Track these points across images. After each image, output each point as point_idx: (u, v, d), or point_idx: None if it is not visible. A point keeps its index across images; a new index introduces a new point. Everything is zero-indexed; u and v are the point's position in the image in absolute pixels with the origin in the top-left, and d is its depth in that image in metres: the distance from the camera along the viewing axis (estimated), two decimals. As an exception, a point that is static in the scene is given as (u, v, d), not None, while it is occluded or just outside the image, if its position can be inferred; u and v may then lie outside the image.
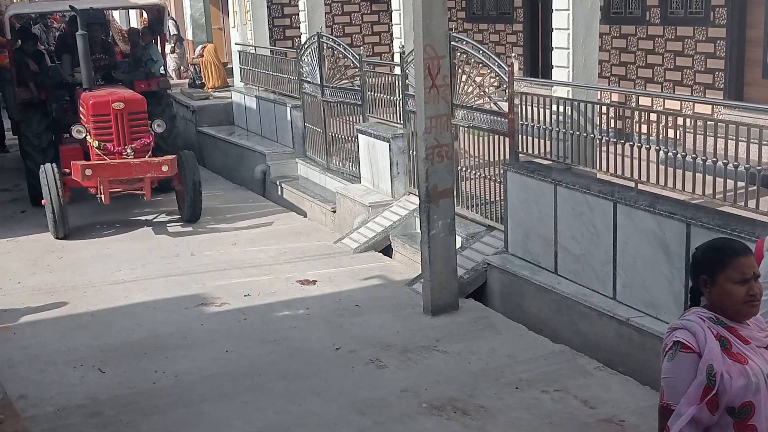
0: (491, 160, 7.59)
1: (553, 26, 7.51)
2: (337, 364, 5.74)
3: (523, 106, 6.97)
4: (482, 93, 7.57)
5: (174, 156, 9.18)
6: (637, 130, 6.25)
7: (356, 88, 9.76)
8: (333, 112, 10.30)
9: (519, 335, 6.20)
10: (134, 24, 23.87)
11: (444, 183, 6.53)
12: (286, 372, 5.63)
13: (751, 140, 5.35)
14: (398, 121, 8.98)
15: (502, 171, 7.17)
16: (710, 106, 7.83)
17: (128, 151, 9.03)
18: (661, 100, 8.10)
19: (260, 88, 12.93)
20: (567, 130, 6.58)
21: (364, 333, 6.27)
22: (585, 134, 6.43)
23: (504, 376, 5.44)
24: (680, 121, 5.84)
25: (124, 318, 6.78)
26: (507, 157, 7.23)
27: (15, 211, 10.55)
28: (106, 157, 9.05)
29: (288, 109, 11.49)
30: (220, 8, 19.60)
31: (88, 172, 8.75)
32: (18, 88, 10.73)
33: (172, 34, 17.30)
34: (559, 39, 7.40)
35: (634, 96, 8.85)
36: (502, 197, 7.17)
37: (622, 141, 6.04)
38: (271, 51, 13.33)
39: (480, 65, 7.46)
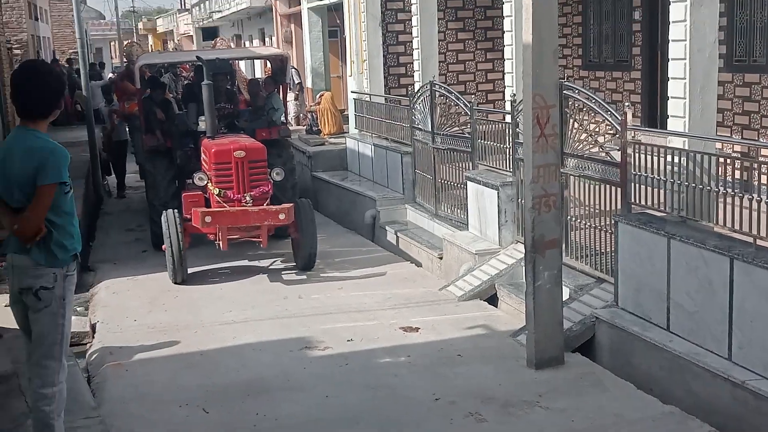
0: (602, 209, 7.41)
1: (669, 76, 7.31)
2: (436, 414, 5.66)
3: (637, 156, 6.79)
4: (594, 142, 7.43)
5: (291, 204, 9.23)
6: (758, 181, 5.96)
7: (466, 135, 9.78)
8: (443, 158, 10.34)
9: (627, 394, 5.95)
10: (259, 72, 24.85)
11: (551, 233, 6.40)
12: (385, 420, 5.59)
13: None
14: (508, 168, 8.92)
15: (613, 222, 6.98)
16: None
17: (247, 198, 9.14)
18: (785, 151, 7.74)
19: (374, 135, 13.13)
20: (682, 181, 6.36)
21: (465, 384, 6.17)
22: (701, 186, 6.19)
23: (609, 436, 5.23)
24: (804, 174, 5.55)
25: (231, 358, 6.92)
26: (619, 207, 7.04)
27: (137, 250, 11.03)
28: (225, 205, 9.16)
29: (399, 155, 11.60)
30: (339, 57, 20.15)
31: (208, 219, 8.88)
32: (145, 136, 11.09)
33: (295, 82, 17.89)
34: (675, 89, 7.20)
35: (755, 147, 8.48)
36: (613, 249, 6.98)
37: (741, 194, 5.78)
38: (385, 99, 13.55)
39: (593, 114, 7.33)
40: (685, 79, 7.05)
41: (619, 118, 6.91)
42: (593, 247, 7.53)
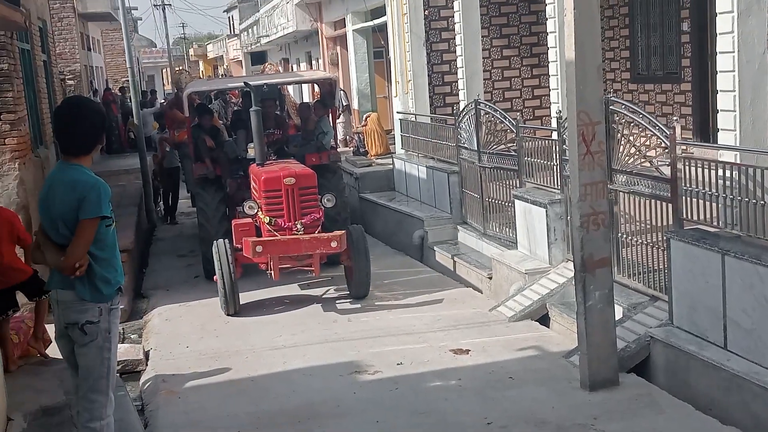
0: (654, 225, 7.26)
1: (718, 88, 7.17)
2: (487, 439, 5.58)
3: (688, 170, 6.65)
4: (643, 157, 7.31)
5: (343, 232, 9.01)
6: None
7: (513, 153, 9.70)
8: (490, 177, 10.27)
9: (685, 415, 5.80)
10: (306, 96, 25.10)
11: (600, 252, 6.29)
12: (436, 446, 5.53)
13: None
14: (556, 186, 8.82)
15: (665, 238, 6.84)
16: None
17: (298, 226, 8.95)
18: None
19: (420, 155, 13.12)
20: (735, 195, 6.20)
21: (517, 407, 6.08)
22: (755, 200, 6.03)
23: (666, 460, 5.09)
24: None
25: (281, 384, 6.94)
26: (670, 223, 6.90)
27: (189, 276, 11.15)
28: (276, 233, 8.96)
29: (446, 174, 11.57)
30: (385, 78, 20.24)
31: (259, 249, 8.66)
32: (195, 164, 10.97)
33: (344, 105, 18.00)
34: (724, 101, 7.06)
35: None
36: (666, 266, 6.83)
37: (797, 207, 5.61)
38: (430, 118, 13.54)
39: (641, 128, 7.22)
40: (734, 91, 6.91)
41: (667, 133, 6.78)
42: (646, 264, 7.38)
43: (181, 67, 37.91)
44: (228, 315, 8.96)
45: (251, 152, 10.39)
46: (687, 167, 6.67)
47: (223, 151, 11.01)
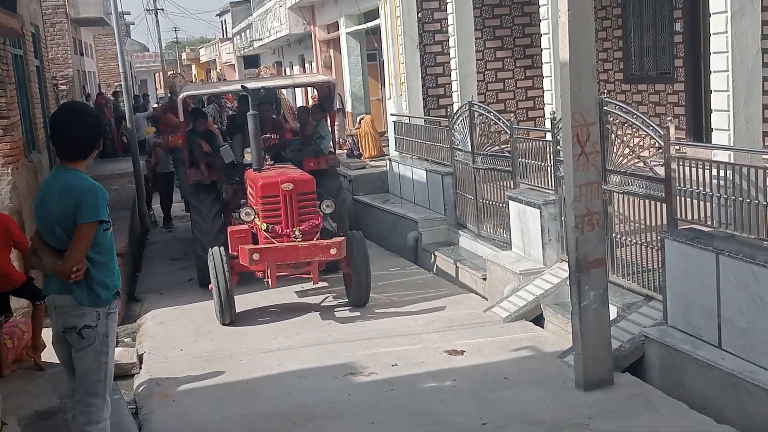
0: (648, 225, 7.27)
1: (712, 88, 7.18)
2: (483, 440, 5.57)
3: (682, 170, 6.66)
4: (637, 157, 7.31)
5: (343, 238, 8.77)
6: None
7: (506, 154, 9.70)
8: (484, 178, 10.27)
9: (680, 414, 5.80)
10: (300, 99, 25.09)
11: (595, 252, 6.29)
12: (431, 447, 5.52)
13: None
14: (550, 187, 8.82)
15: (659, 238, 6.84)
16: None
17: (296, 233, 8.66)
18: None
19: (414, 157, 13.12)
20: (729, 195, 6.21)
21: (512, 408, 6.07)
22: (749, 200, 6.04)
23: (662, 459, 5.09)
24: None
25: (276, 386, 6.91)
26: (664, 223, 6.90)
27: (183, 279, 11.12)
28: (273, 240, 8.67)
29: (440, 176, 11.56)
30: (378, 80, 20.23)
31: (256, 256, 8.40)
32: (190, 170, 10.67)
33: (337, 108, 17.96)
34: (718, 101, 7.08)
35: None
36: (660, 265, 6.83)
37: (790, 206, 5.62)
38: (424, 120, 13.54)
39: (635, 129, 7.22)
40: (728, 91, 6.93)
41: (661, 134, 6.79)
42: (640, 264, 7.39)
43: (174, 71, 37.83)
44: (224, 325, 8.72)
45: (247, 157, 10.11)
46: (681, 167, 6.68)
47: (219, 156, 10.68)
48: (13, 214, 8.30)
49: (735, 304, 5.90)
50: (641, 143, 7.25)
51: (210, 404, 6.59)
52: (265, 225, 8.77)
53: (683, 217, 6.74)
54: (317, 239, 8.72)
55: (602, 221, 6.39)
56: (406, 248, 11.65)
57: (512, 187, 9.51)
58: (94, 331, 4.24)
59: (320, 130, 11.04)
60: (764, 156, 7.31)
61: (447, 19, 13.21)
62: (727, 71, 6.95)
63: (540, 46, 11.15)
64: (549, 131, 8.94)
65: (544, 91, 10.91)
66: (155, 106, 23.57)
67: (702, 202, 6.54)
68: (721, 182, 6.28)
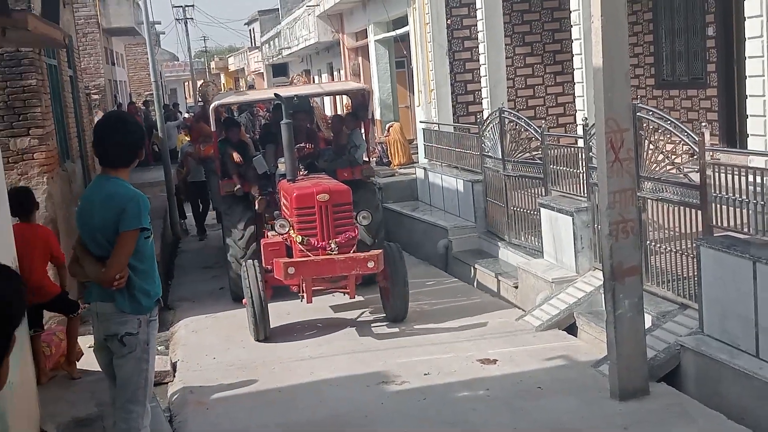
0: (683, 233, 7.19)
1: (747, 93, 7.10)
2: (517, 450, 5.54)
3: (717, 176, 6.58)
4: (672, 163, 7.24)
5: (380, 251, 8.42)
6: None
7: (538, 161, 9.65)
8: (514, 185, 10.23)
9: (717, 424, 5.72)
10: (328, 107, 25.16)
11: (630, 260, 6.23)
12: (465, 457, 5.49)
13: None
14: (582, 194, 8.76)
15: (694, 246, 6.77)
16: None
17: (332, 246, 8.35)
18: None
19: (444, 164, 13.10)
20: (766, 202, 6.13)
21: (546, 417, 6.02)
22: (786, 206, 5.95)
23: (700, 470, 5.02)
24: None
25: (309, 395, 6.92)
26: (700, 230, 6.82)
27: (214, 288, 11.18)
28: (309, 253, 8.36)
29: (470, 184, 11.53)
30: (407, 87, 20.26)
31: (291, 270, 8.08)
32: (222, 181, 10.42)
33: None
34: (753, 106, 6.99)
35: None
36: (696, 273, 6.75)
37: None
38: (454, 127, 13.52)
39: (668, 135, 7.16)
40: (764, 96, 6.84)
41: (696, 139, 6.72)
42: (675, 272, 7.31)
43: (206, 80, 38.15)
44: (257, 341, 8.45)
45: (281, 167, 9.81)
46: (716, 173, 6.60)
47: (251, 166, 10.37)
48: (48, 223, 8.41)
49: (773, 313, 5.81)
50: (675, 149, 7.18)
51: (244, 412, 6.61)
52: (300, 237, 8.47)
53: (719, 224, 6.66)
54: (354, 252, 8.41)
55: (636, 228, 6.32)
56: (436, 256, 11.62)
57: (543, 194, 9.46)
58: (136, 338, 4.28)
59: (354, 139, 10.78)
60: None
61: (476, 25, 13.20)
62: (763, 76, 6.87)
63: (570, 51, 11.10)
64: (581, 137, 8.88)
65: (575, 97, 10.86)
66: (186, 115, 23.74)
67: (738, 209, 6.46)
68: (758, 188, 6.20)
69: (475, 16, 13.13)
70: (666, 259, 7.42)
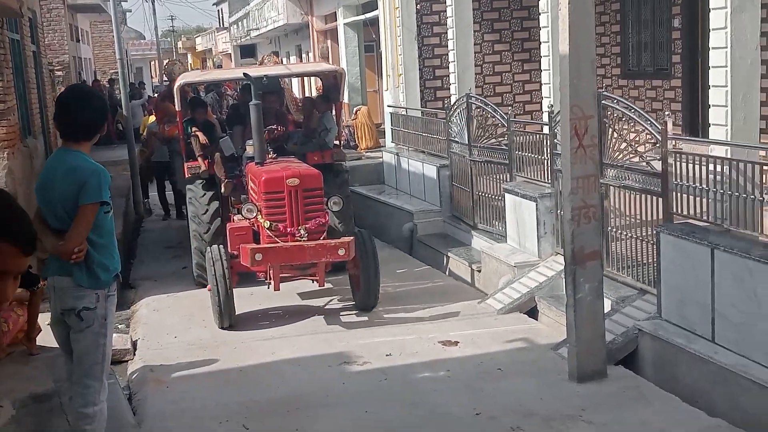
0: (644, 220, 7.30)
1: (710, 84, 7.20)
2: (476, 430, 5.59)
3: (678, 165, 6.68)
4: (634, 151, 7.33)
5: (351, 238, 8.19)
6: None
7: (503, 147, 9.71)
8: (480, 171, 10.28)
9: (672, 407, 5.83)
10: (296, 89, 25.02)
11: (591, 245, 6.31)
12: (425, 436, 5.53)
13: None
14: (546, 180, 8.84)
15: (655, 232, 6.87)
16: None
17: (302, 232, 8.06)
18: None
19: (410, 148, 13.13)
20: (725, 190, 6.23)
21: (506, 398, 6.09)
22: (745, 195, 6.06)
23: (654, 451, 5.12)
24: None
25: (270, 374, 6.92)
26: (660, 217, 6.93)
27: (177, 267, 11.09)
28: (277, 239, 8.07)
29: (436, 168, 11.57)
30: (375, 71, 20.22)
31: (258, 257, 7.82)
32: (186, 162, 10.01)
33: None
34: (716, 97, 7.09)
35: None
36: (655, 259, 6.86)
37: (786, 202, 5.65)
38: (421, 112, 13.54)
39: (632, 123, 7.24)
40: (726, 87, 6.94)
41: (659, 128, 6.80)
42: (635, 258, 7.41)
43: (172, 58, 37.71)
44: (222, 329, 8.18)
45: (249, 150, 9.53)
46: (678, 162, 6.70)
47: (218, 148, 10.04)
48: (8, 199, 8.27)
49: (729, 299, 5.93)
50: (638, 138, 7.27)
51: (204, 391, 6.58)
52: (268, 223, 8.18)
53: (679, 211, 6.76)
54: (324, 239, 8.19)
55: (598, 214, 6.40)
56: (401, 240, 11.66)
57: (508, 179, 9.53)
58: (93, 312, 4.25)
59: (326, 122, 10.48)
60: (761, 152, 7.34)
61: (446, 11, 13.19)
62: (726, 67, 6.97)
63: (538, 40, 11.15)
64: (546, 124, 8.96)
65: (541, 85, 10.91)
66: (151, 95, 23.48)
67: (698, 197, 6.57)
68: (718, 177, 6.31)
69: (445, 2, 13.12)
70: (627, 245, 7.53)
